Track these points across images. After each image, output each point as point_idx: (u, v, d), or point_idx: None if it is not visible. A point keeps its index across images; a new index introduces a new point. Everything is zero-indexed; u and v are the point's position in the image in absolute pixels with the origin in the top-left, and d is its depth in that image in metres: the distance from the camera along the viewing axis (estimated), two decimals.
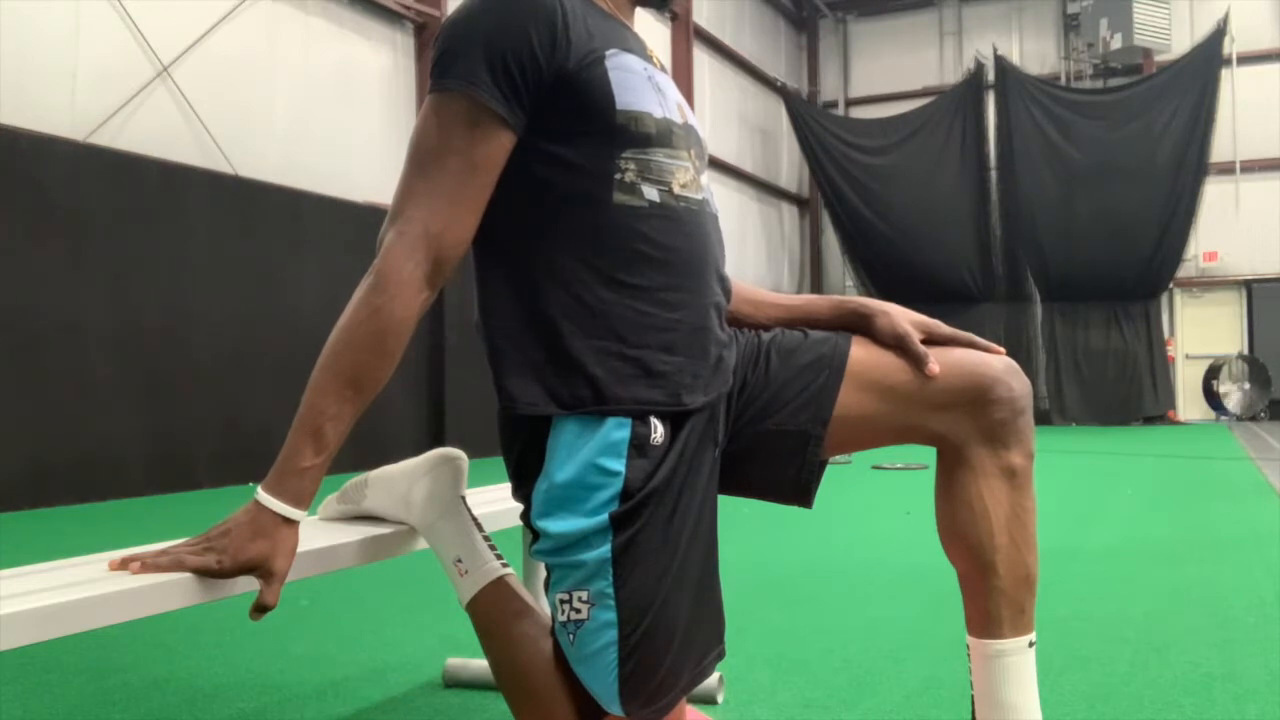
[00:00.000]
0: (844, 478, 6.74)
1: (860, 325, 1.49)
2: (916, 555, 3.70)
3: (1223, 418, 14.69)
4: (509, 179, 1.32)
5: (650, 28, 12.03)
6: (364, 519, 1.61)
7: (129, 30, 6.66)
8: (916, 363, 1.40)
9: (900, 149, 15.06)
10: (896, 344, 1.43)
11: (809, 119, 15.51)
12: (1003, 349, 1.45)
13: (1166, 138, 13.86)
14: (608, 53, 1.33)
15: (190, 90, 7.01)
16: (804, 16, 17.46)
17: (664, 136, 1.35)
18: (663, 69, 1.46)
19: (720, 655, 1.39)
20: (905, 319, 1.45)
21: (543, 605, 1.44)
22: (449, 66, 1.29)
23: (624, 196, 1.33)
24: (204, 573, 1.17)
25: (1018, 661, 1.39)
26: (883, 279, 14.87)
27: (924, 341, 1.43)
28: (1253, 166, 15.08)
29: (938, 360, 1.40)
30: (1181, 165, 13.81)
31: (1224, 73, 14.08)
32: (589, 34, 1.32)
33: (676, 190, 1.36)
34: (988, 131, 14.80)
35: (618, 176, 1.32)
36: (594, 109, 1.31)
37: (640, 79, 1.35)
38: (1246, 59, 14.98)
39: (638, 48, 1.41)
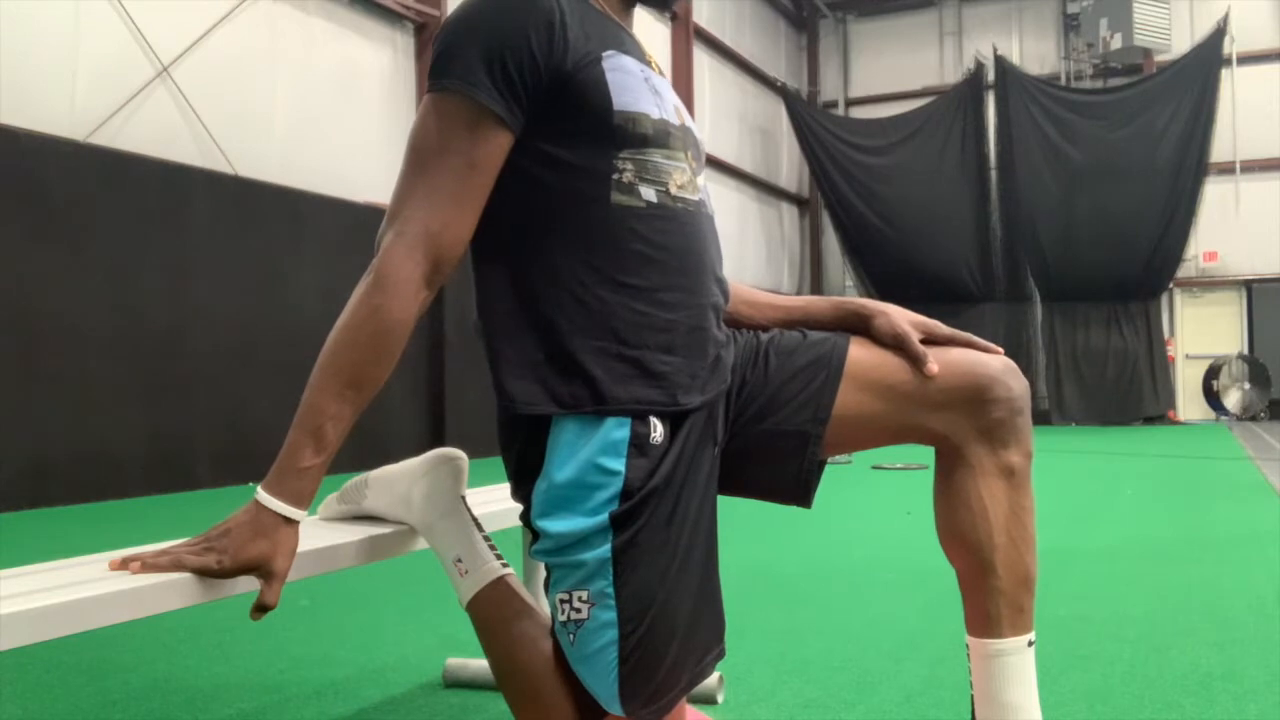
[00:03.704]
0: (844, 478, 6.74)
1: (859, 326, 1.49)
2: (916, 555, 3.70)
3: (1223, 418, 14.68)
4: (507, 179, 1.33)
5: (650, 28, 12.03)
6: (364, 519, 1.61)
7: (129, 30, 6.66)
8: (915, 362, 1.41)
9: (900, 149, 15.06)
10: (895, 344, 1.44)
11: (809, 119, 15.51)
12: (1001, 349, 1.45)
13: (1166, 138, 13.86)
14: (605, 54, 1.33)
15: (190, 90, 7.01)
16: (804, 16, 17.46)
17: (661, 137, 1.36)
18: (660, 72, 1.46)
19: (720, 655, 1.39)
20: (904, 319, 1.46)
21: (543, 605, 1.44)
22: (447, 67, 1.29)
23: (621, 197, 1.33)
24: (204, 573, 1.17)
25: (1017, 661, 1.39)
26: (883, 279, 14.87)
27: (923, 341, 1.43)
28: (1253, 166, 15.08)
29: (936, 360, 1.40)
30: (1181, 165, 13.81)
31: (1224, 73, 14.08)
32: (586, 35, 1.32)
33: (674, 191, 1.37)
34: (988, 131, 14.80)
35: (615, 177, 1.33)
36: (591, 110, 1.31)
37: (637, 80, 1.36)
38: (1246, 59, 14.98)
39: (635, 50, 1.41)
